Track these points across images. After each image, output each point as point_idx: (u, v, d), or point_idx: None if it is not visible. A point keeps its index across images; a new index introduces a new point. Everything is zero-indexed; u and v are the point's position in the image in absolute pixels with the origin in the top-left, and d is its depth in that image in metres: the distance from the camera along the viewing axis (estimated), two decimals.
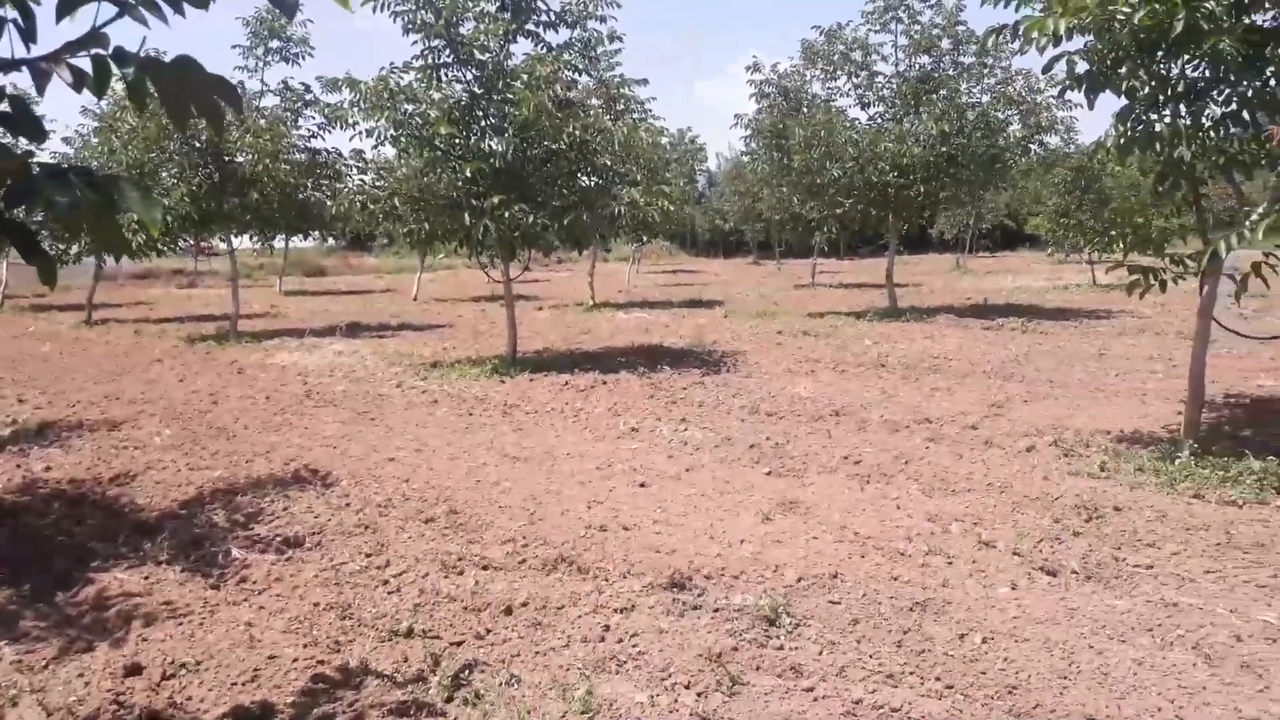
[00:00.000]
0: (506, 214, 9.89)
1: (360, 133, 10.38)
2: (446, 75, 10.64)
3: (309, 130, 15.97)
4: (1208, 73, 5.87)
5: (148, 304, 24.44)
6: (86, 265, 19.68)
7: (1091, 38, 5.83)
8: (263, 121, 15.14)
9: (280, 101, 16.08)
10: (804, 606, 4.06)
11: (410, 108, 10.19)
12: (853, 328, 15.40)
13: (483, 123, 10.56)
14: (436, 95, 10.28)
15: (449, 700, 3.31)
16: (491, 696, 3.32)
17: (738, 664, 3.53)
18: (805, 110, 17.23)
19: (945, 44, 16.37)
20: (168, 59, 1.79)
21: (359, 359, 12.51)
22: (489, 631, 3.84)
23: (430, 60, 10.53)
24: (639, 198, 10.84)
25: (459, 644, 3.75)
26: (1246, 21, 5.61)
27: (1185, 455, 6.15)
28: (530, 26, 10.75)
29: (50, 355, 13.42)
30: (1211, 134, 6.00)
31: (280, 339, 15.15)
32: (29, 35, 1.83)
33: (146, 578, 4.52)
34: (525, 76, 10.15)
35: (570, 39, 10.89)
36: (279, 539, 5.06)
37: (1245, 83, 5.72)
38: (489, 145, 10.30)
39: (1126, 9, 5.43)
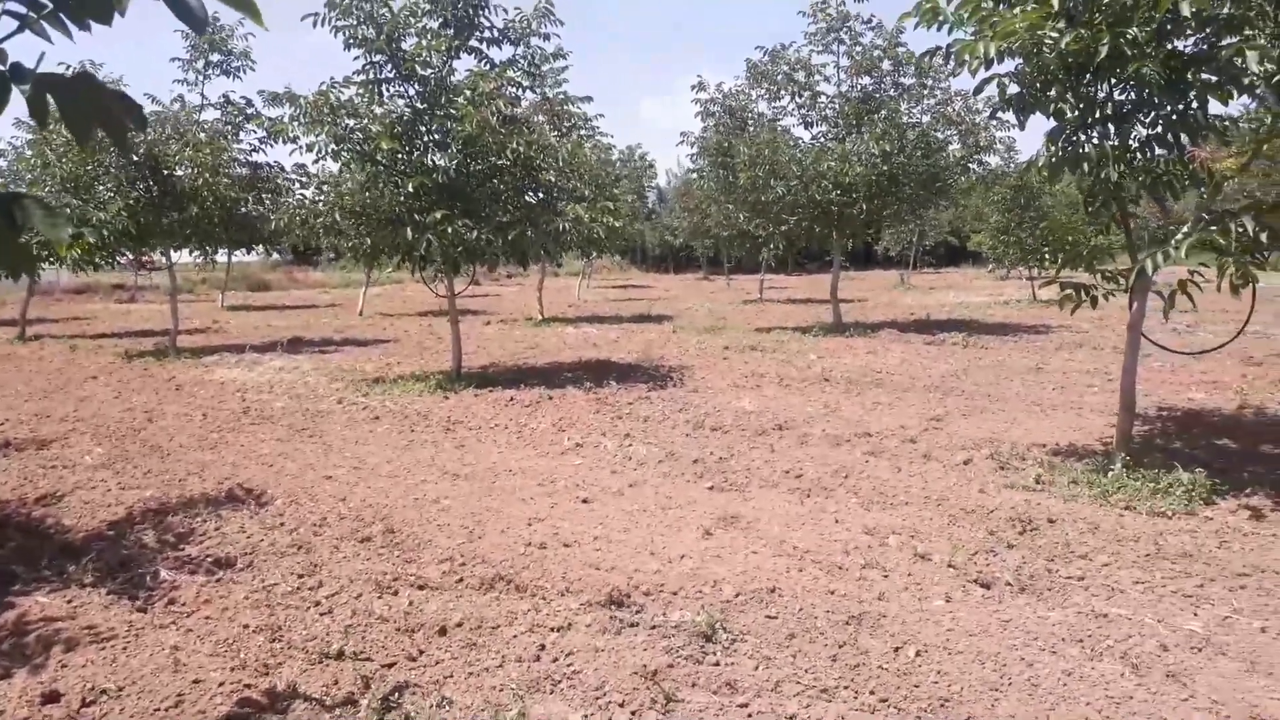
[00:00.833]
0: (449, 229, 9.83)
1: (301, 147, 10.28)
2: (388, 90, 10.57)
3: (250, 144, 15.77)
4: (1133, 96, 6.02)
5: (85, 319, 23.82)
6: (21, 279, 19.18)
7: (1021, 61, 5.96)
8: (203, 135, 14.90)
9: (221, 115, 15.85)
10: (741, 622, 4.06)
11: (351, 122, 10.10)
12: (798, 343, 15.53)
13: (425, 138, 10.49)
14: (379, 110, 10.20)
15: None
16: (422, 719, 3.27)
17: (673, 681, 3.51)
18: (750, 129, 17.39)
19: (886, 65, 16.62)
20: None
21: (300, 375, 12.31)
22: (422, 653, 3.78)
23: (372, 75, 10.45)
24: (584, 214, 10.83)
25: (391, 666, 3.68)
26: (1168, 47, 5.79)
27: (1117, 468, 6.27)
28: (473, 43, 10.71)
29: None
30: (1138, 155, 6.17)
31: (220, 355, 14.87)
32: None
33: (70, 601, 4.39)
34: (468, 92, 10.12)
35: (514, 56, 10.87)
36: (210, 560, 4.95)
37: (1168, 106, 5.89)
38: (432, 160, 10.22)
39: (1054, 34, 5.56)
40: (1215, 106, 5.95)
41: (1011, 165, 21.47)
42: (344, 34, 10.16)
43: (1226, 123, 6.44)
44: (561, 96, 11.58)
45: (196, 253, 16.77)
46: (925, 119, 16.54)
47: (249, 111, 15.30)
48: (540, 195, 11.08)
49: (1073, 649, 3.80)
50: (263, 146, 15.73)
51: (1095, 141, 6.03)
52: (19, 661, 3.76)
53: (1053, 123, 6.09)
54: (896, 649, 3.79)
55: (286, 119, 10.12)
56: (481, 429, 8.54)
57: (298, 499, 6.10)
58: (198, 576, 4.71)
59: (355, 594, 4.41)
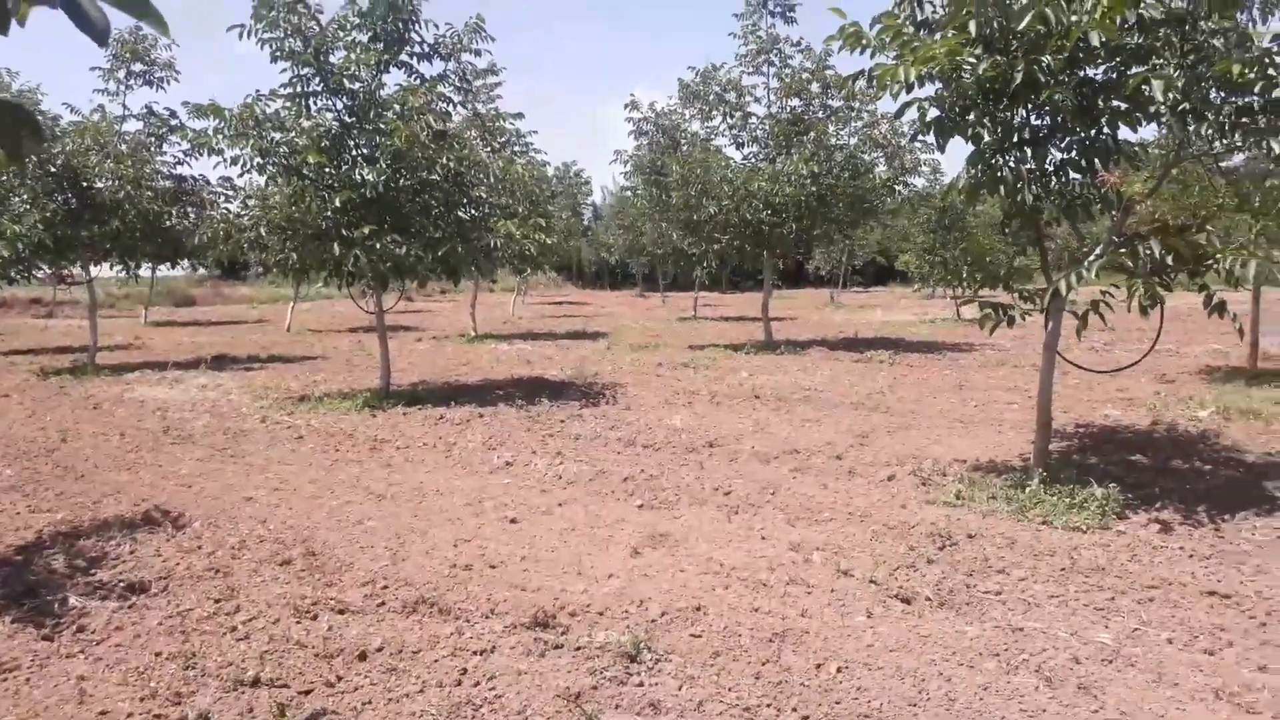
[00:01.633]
0: (378, 244, 9.71)
1: (226, 160, 10.05)
2: (316, 104, 10.43)
3: (175, 157, 15.42)
4: (1049, 121, 6.21)
5: None
6: None
7: (941, 86, 6.12)
8: (124, 147, 14.53)
9: (144, 127, 15.48)
10: (666, 641, 4.06)
11: (278, 136, 9.93)
12: (730, 360, 15.65)
13: (354, 152, 10.36)
14: (306, 124, 10.05)
15: None
16: None
17: (596, 703, 3.49)
18: (684, 148, 17.55)
19: (814, 88, 16.93)
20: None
21: (223, 393, 12.02)
22: (340, 679, 3.70)
23: (299, 88, 10.30)
24: (515, 230, 10.79)
25: (308, 693, 3.60)
26: (1080, 75, 5.99)
27: (1035, 484, 6.43)
28: (404, 58, 10.65)
29: None
30: (1053, 178, 6.36)
31: (142, 372, 14.43)
32: None
33: None
34: (398, 107, 10.04)
35: (445, 71, 10.83)
36: (122, 585, 4.79)
37: (1081, 131, 6.09)
38: (360, 175, 10.09)
39: (972, 60, 5.72)
40: (1126, 132, 6.19)
41: (936, 187, 21.99)
42: (270, 46, 10.01)
43: (1137, 148, 6.70)
44: (494, 112, 11.56)
45: (118, 267, 16.30)
46: (853, 141, 16.87)
47: (173, 123, 15.00)
48: (472, 211, 11.01)
49: (989, 663, 3.87)
50: (187, 159, 15.43)
51: (1012, 165, 6.19)
52: None
53: (971, 146, 6.25)
54: (818, 665, 3.82)
55: (211, 131, 9.91)
56: (409, 448, 8.42)
57: (217, 521, 5.94)
58: (109, 603, 4.55)
59: (273, 619, 4.31)
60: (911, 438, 8.69)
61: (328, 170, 10.10)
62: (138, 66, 15.87)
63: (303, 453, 8.25)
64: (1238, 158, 8.98)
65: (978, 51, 5.79)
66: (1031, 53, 5.69)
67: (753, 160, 17.41)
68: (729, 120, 17.36)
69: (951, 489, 6.62)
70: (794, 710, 3.47)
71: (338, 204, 9.77)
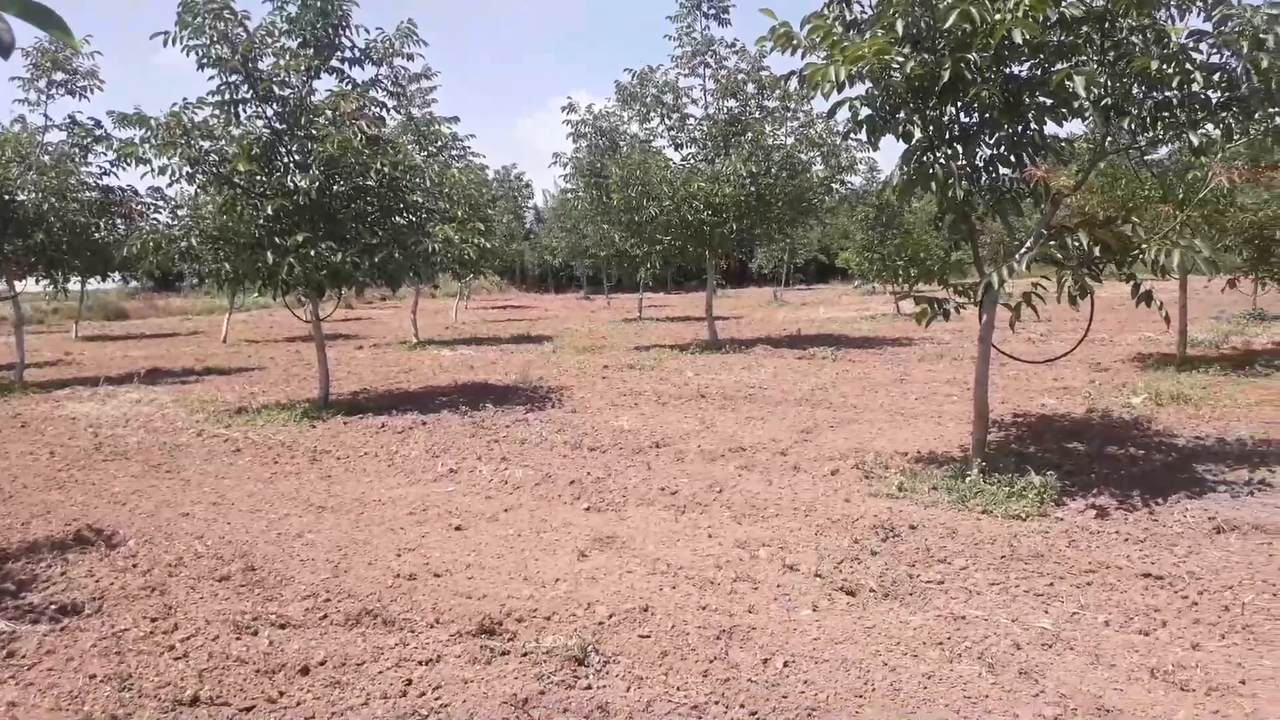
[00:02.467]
0: (312, 252, 9.56)
1: (154, 170, 9.81)
2: (246, 111, 10.22)
3: (101, 167, 15.00)
4: (977, 118, 6.33)
5: None
6: None
7: (871, 85, 6.19)
8: (47, 158, 14.10)
9: (67, 137, 15.02)
10: (614, 643, 4.05)
11: (207, 144, 9.72)
12: (675, 360, 15.70)
13: (285, 159, 10.19)
14: (235, 131, 9.86)
15: None
16: None
17: (544, 709, 3.47)
18: (623, 149, 17.57)
19: (750, 88, 17.07)
20: None
21: (158, 407, 11.72)
22: (282, 694, 3.63)
23: (228, 96, 10.09)
24: (454, 235, 10.70)
25: (249, 709, 3.52)
26: (1006, 72, 6.12)
27: (974, 474, 6.54)
28: (335, 63, 10.50)
29: None
30: (983, 174, 6.48)
31: (72, 388, 14.01)
32: None
33: None
34: (329, 112, 9.90)
35: (377, 76, 10.70)
36: (54, 607, 4.64)
37: (1009, 127, 6.22)
38: (293, 182, 9.92)
39: (899, 59, 5.80)
40: (1053, 127, 6.33)
41: (874, 185, 22.32)
42: (197, 54, 9.79)
43: (1064, 143, 6.86)
44: (428, 117, 11.45)
45: (45, 281, 15.83)
46: (790, 140, 17.05)
47: (97, 133, 14.57)
48: (409, 216, 10.89)
49: (933, 651, 3.93)
50: (114, 169, 15.03)
51: (943, 161, 6.29)
52: None
53: (903, 144, 6.35)
54: (765, 660, 3.84)
55: (138, 140, 9.66)
56: (350, 458, 8.30)
57: (152, 538, 5.79)
58: (40, 626, 4.40)
59: (212, 636, 4.21)
60: (854, 432, 8.79)
61: (259, 178, 9.93)
62: (59, 76, 15.40)
63: (240, 466, 8.08)
64: (1162, 150, 9.28)
65: (905, 50, 5.88)
66: (958, 50, 5.79)
67: (692, 161, 17.51)
68: (667, 121, 17.43)
69: (894, 481, 6.71)
70: (742, 706, 3.48)
71: (270, 212, 9.60)
